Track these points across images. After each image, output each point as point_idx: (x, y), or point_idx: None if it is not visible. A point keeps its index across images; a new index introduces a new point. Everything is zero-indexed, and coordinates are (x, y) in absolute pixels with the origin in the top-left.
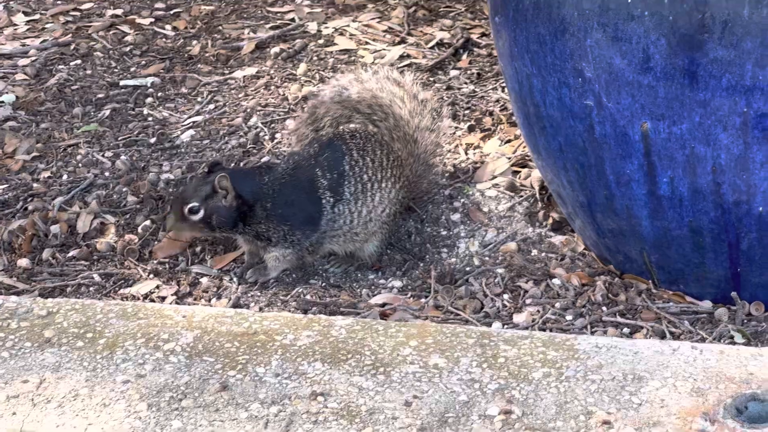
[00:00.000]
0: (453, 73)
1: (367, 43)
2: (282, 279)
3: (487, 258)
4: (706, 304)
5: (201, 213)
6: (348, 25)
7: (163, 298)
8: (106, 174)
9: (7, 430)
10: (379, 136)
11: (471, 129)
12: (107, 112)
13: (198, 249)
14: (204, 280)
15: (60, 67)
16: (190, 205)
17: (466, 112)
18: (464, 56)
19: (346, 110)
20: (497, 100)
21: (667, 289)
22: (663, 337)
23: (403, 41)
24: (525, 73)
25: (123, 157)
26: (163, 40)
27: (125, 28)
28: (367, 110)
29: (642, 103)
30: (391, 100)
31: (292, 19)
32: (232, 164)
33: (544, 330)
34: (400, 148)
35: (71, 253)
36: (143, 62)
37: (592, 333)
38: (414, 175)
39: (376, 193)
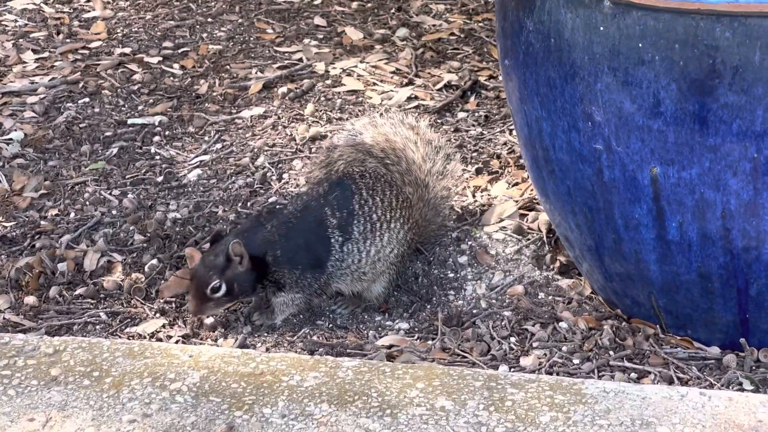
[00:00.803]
0: (461, 115)
1: (374, 84)
2: (289, 320)
3: (494, 301)
4: (715, 350)
5: (223, 287)
6: (356, 66)
7: (169, 338)
8: (114, 212)
9: None
10: (388, 176)
11: (479, 171)
12: (115, 150)
13: None
14: (210, 320)
15: (68, 104)
16: (212, 285)
17: (474, 154)
18: (472, 98)
19: (359, 154)
20: (505, 143)
21: (675, 334)
22: (671, 382)
23: (410, 83)
24: (534, 116)
25: (130, 196)
26: (171, 79)
27: (133, 66)
28: (381, 154)
29: (652, 147)
30: (405, 144)
31: (300, 59)
32: (239, 204)
33: (551, 373)
34: (411, 192)
35: (78, 291)
36: (151, 101)
37: (600, 377)
38: (423, 219)
39: (384, 233)
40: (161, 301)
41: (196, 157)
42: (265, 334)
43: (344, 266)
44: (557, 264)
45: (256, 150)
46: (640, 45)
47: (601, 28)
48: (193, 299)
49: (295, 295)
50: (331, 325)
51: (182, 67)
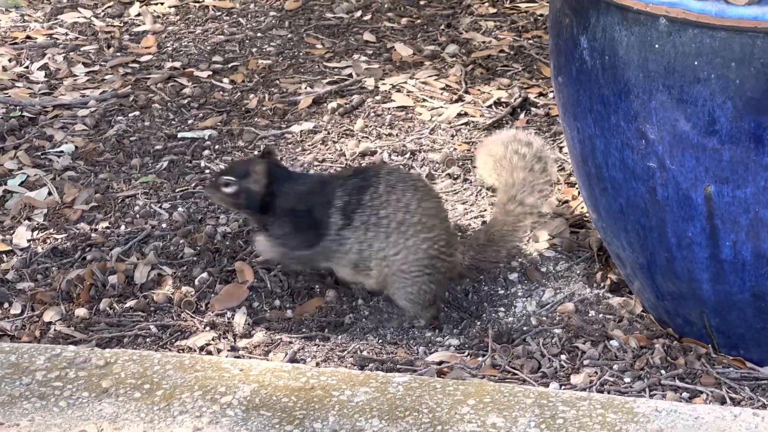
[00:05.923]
0: None
1: (424, 100)
2: (340, 335)
3: (544, 318)
4: (767, 371)
5: (232, 188)
6: (405, 82)
7: (219, 351)
8: (164, 225)
9: None
10: (420, 183)
11: None
12: (165, 164)
13: (255, 304)
14: (260, 334)
15: (119, 118)
16: (225, 179)
17: None
18: (522, 116)
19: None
20: (555, 160)
21: (727, 354)
22: (723, 402)
23: (460, 99)
24: (587, 134)
25: (180, 209)
26: (221, 93)
27: (183, 80)
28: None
29: (706, 165)
30: (513, 167)
31: (350, 75)
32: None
33: (602, 392)
34: (493, 209)
35: (128, 304)
36: (201, 115)
37: (651, 396)
38: (485, 239)
39: (392, 233)
40: (211, 314)
41: None
42: (315, 349)
43: (342, 251)
44: (608, 282)
45: (306, 165)
46: (696, 63)
47: (657, 46)
48: (209, 182)
49: (275, 241)
50: (381, 341)
51: (232, 82)
